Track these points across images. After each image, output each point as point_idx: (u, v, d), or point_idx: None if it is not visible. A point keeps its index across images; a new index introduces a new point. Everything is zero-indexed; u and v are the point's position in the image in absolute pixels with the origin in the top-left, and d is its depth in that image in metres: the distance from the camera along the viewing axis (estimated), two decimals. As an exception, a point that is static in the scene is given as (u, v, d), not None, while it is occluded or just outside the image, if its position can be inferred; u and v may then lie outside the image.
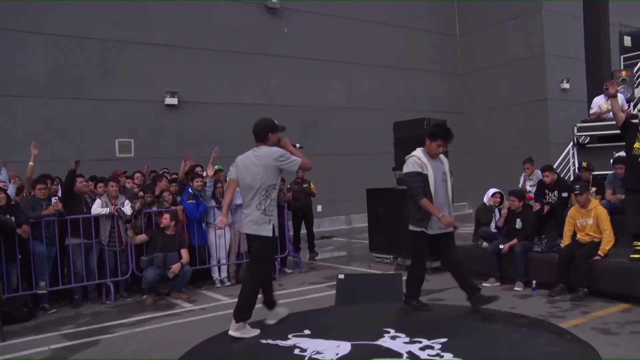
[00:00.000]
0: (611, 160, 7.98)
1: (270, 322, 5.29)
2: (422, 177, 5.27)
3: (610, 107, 9.60)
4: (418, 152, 5.44)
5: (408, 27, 17.06)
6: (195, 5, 13.19)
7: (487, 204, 8.14)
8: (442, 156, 5.53)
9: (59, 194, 7.64)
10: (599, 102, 10.19)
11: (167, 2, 12.78)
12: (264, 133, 5.16)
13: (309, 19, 15.08)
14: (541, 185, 8.12)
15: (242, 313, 4.97)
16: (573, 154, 10.53)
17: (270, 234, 4.90)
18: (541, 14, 16.06)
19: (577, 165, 9.73)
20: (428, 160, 5.33)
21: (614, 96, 6.66)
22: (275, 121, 5.26)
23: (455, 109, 17.30)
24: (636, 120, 6.68)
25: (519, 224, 7.44)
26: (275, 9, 14.55)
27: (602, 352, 4.49)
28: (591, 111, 10.30)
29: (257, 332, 5.05)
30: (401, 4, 16.85)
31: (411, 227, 5.44)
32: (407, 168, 5.40)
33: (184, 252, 7.58)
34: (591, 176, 8.03)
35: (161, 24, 12.80)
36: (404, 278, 6.00)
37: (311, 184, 10.94)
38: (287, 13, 14.75)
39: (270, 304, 5.30)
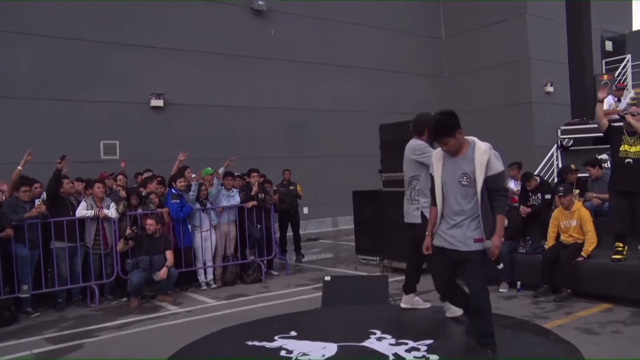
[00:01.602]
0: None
1: (404, 305, 5.45)
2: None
3: (618, 108, 9.69)
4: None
5: (394, 29, 17.15)
6: (181, 6, 13.15)
7: None
8: (480, 149, 4.06)
9: (43, 196, 7.55)
10: (610, 102, 10.23)
11: (153, 4, 12.72)
12: (419, 127, 5.28)
13: (295, 22, 15.09)
14: (524, 189, 8.18)
15: (409, 284, 5.35)
16: (557, 156, 10.64)
17: (419, 220, 5.01)
18: (525, 18, 16.22)
19: (560, 168, 9.80)
20: (443, 159, 4.18)
21: (601, 101, 6.75)
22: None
23: (441, 111, 17.38)
24: (620, 124, 6.75)
25: (505, 222, 7.47)
26: (262, 11, 14.54)
27: (584, 352, 4.53)
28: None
29: (427, 305, 5.34)
30: (388, 7, 16.94)
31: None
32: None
33: (170, 255, 7.53)
34: (576, 178, 8.11)
35: (147, 26, 12.74)
36: (390, 280, 6.02)
37: (297, 186, 10.94)
38: (274, 15, 14.75)
39: (408, 288, 5.42)
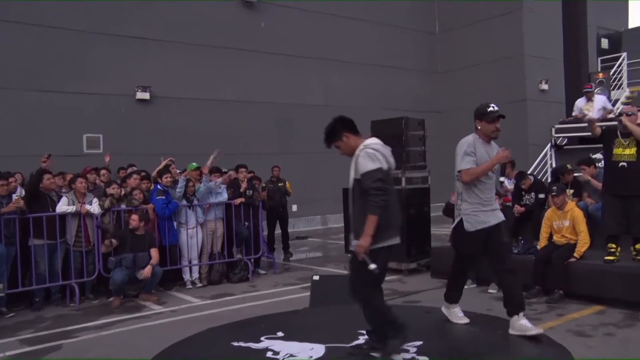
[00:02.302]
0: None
1: (444, 310, 5.36)
2: None
3: (590, 110, 9.71)
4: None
5: (387, 24, 17.00)
6: (169, -3, 12.91)
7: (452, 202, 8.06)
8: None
9: (19, 191, 7.34)
10: (580, 105, 10.25)
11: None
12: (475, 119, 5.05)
13: (286, 15, 14.91)
14: (518, 188, 8.11)
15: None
16: (551, 155, 10.57)
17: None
18: (521, 14, 16.13)
19: (553, 167, 9.73)
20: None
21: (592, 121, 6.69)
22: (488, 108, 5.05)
23: (434, 107, 17.30)
24: (614, 123, 6.66)
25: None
26: (252, 3, 14.35)
27: (576, 354, 4.50)
28: (573, 114, 10.35)
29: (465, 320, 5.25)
30: (381, 1, 16.78)
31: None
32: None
33: (154, 252, 7.35)
34: (572, 178, 8.03)
35: (134, 16, 12.50)
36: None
37: (287, 182, 10.79)
38: (265, 8, 14.56)
39: (448, 297, 5.30)
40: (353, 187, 4.23)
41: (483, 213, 4.82)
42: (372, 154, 4.07)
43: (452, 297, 5.27)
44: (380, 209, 3.94)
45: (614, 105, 12.00)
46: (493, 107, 4.93)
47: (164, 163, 8.73)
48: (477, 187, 4.83)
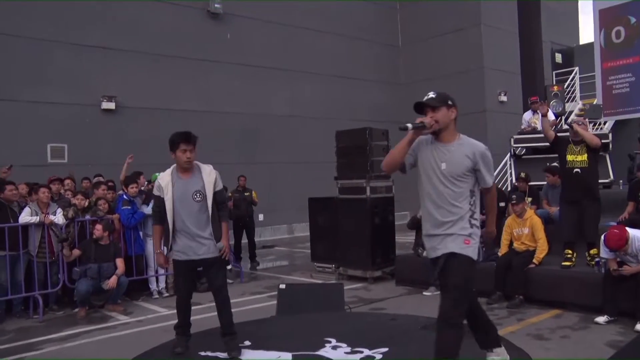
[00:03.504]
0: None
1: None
2: None
3: (537, 122, 10.05)
4: None
5: (351, 36, 17.24)
6: (134, 6, 12.82)
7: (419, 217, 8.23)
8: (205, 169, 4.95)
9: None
10: (527, 118, 10.61)
11: (103, 2, 12.35)
12: None
13: (251, 26, 14.98)
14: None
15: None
16: (510, 164, 10.87)
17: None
18: (480, 29, 16.58)
19: (514, 176, 10.02)
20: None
21: (545, 115, 6.92)
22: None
23: (397, 118, 17.50)
24: (566, 134, 6.94)
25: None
26: (218, 14, 14.36)
27: (535, 357, 4.68)
28: (522, 127, 10.70)
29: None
30: (345, 13, 17.03)
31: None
32: None
33: (120, 262, 7.28)
34: (527, 186, 8.28)
35: (96, 25, 12.35)
36: (346, 287, 5.97)
37: (253, 192, 10.81)
38: (230, 19, 14.60)
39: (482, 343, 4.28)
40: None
41: None
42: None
43: (485, 341, 4.23)
44: None
45: (567, 117, 12.48)
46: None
47: (126, 164, 8.75)
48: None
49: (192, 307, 7.21)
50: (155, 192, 4.93)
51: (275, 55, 15.42)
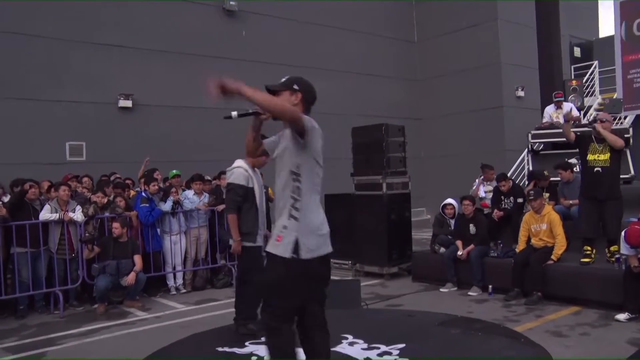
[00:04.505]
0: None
1: None
2: None
3: (560, 117, 9.93)
4: None
5: (367, 32, 17.17)
6: (150, 5, 12.89)
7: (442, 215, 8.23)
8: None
9: (3, 198, 7.30)
10: (550, 112, 10.48)
11: (119, 2, 12.44)
12: None
13: (267, 23, 14.98)
14: (497, 192, 8.25)
15: None
16: (528, 160, 10.77)
17: None
18: (497, 24, 16.43)
19: (530, 171, 9.91)
20: None
21: (567, 121, 6.83)
22: None
23: (414, 115, 17.50)
24: (588, 129, 6.85)
25: (472, 229, 7.53)
26: (233, 11, 14.40)
27: (554, 354, 4.63)
28: (543, 120, 10.58)
29: None
30: (361, 9, 16.96)
31: None
32: None
33: (138, 259, 7.35)
34: (548, 183, 8.20)
35: (114, 24, 12.43)
36: (363, 284, 5.97)
37: (269, 189, 10.81)
38: (245, 16, 14.62)
39: None
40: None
41: None
42: None
43: None
44: None
45: (586, 112, 12.31)
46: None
47: (143, 166, 8.89)
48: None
49: (209, 304, 7.32)
50: (242, 181, 5.27)
51: (290, 52, 15.40)
